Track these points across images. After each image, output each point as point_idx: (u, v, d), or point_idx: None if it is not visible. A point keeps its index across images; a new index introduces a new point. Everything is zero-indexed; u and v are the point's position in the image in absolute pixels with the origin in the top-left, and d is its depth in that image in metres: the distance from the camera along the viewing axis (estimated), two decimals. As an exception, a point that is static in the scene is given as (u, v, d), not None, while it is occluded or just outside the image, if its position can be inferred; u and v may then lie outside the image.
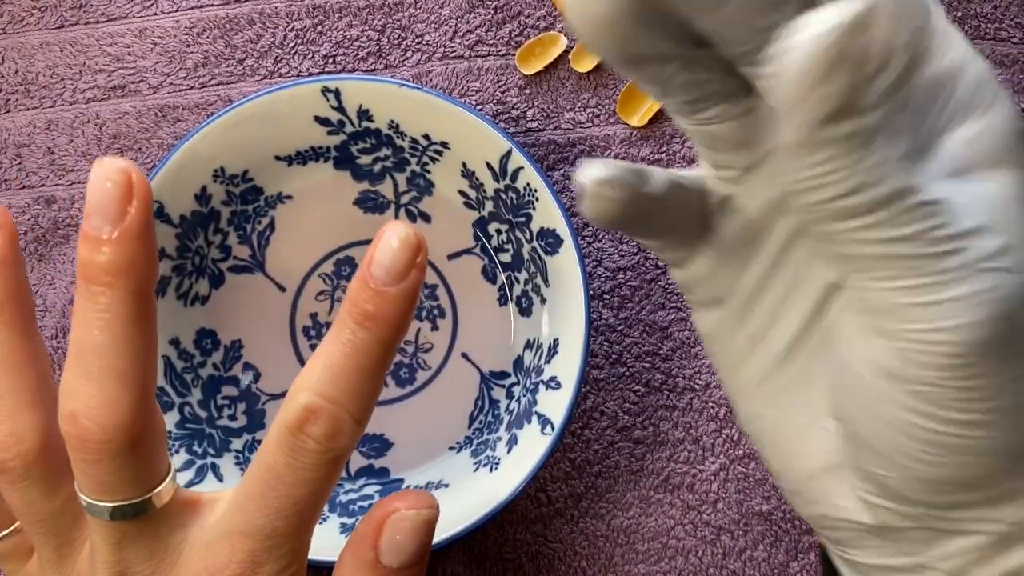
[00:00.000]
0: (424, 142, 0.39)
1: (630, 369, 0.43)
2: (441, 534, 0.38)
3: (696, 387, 0.42)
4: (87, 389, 0.25)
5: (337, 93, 0.38)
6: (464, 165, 0.39)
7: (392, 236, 0.26)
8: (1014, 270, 0.23)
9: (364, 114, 0.38)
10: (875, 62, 0.19)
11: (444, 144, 0.39)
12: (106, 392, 0.25)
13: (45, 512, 0.28)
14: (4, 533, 0.30)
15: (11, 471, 0.27)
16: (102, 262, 0.25)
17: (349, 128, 0.39)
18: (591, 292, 0.38)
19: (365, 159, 0.41)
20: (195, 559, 0.27)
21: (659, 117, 0.43)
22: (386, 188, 0.41)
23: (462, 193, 0.41)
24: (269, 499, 0.27)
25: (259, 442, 0.41)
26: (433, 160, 0.40)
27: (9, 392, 0.27)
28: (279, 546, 0.27)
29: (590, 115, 0.43)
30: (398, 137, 0.39)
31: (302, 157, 0.40)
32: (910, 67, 0.19)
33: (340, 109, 0.38)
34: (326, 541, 0.38)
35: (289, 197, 0.41)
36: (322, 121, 0.39)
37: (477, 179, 0.40)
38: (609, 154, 0.43)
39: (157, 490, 0.27)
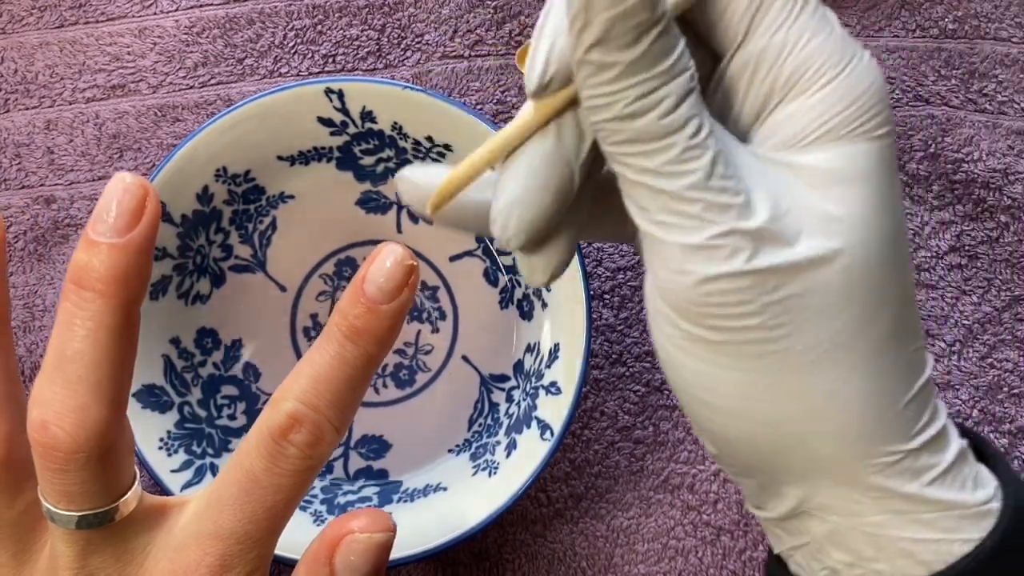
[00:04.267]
0: (427, 144, 0.39)
1: (630, 369, 0.43)
2: (440, 538, 0.38)
3: (696, 388, 0.42)
4: (61, 398, 0.25)
5: (340, 94, 0.38)
6: (466, 167, 0.39)
7: (388, 255, 0.27)
8: (767, 239, 0.24)
9: (367, 115, 0.38)
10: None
11: (447, 147, 0.39)
12: (79, 402, 0.25)
13: (4, 520, 0.28)
14: None
15: None
16: (99, 269, 0.25)
17: (352, 129, 0.39)
18: (591, 292, 0.38)
19: (368, 160, 0.41)
20: (163, 561, 0.27)
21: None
22: (388, 189, 0.41)
23: (463, 194, 0.41)
24: (243, 503, 0.27)
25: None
26: (436, 162, 0.40)
27: None
28: (249, 550, 0.27)
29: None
30: (401, 139, 0.39)
31: (304, 157, 0.40)
32: (652, 17, 0.23)
33: (343, 110, 0.38)
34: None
35: (291, 197, 0.41)
36: (325, 122, 0.39)
37: (479, 181, 0.40)
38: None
39: (123, 499, 0.27)
